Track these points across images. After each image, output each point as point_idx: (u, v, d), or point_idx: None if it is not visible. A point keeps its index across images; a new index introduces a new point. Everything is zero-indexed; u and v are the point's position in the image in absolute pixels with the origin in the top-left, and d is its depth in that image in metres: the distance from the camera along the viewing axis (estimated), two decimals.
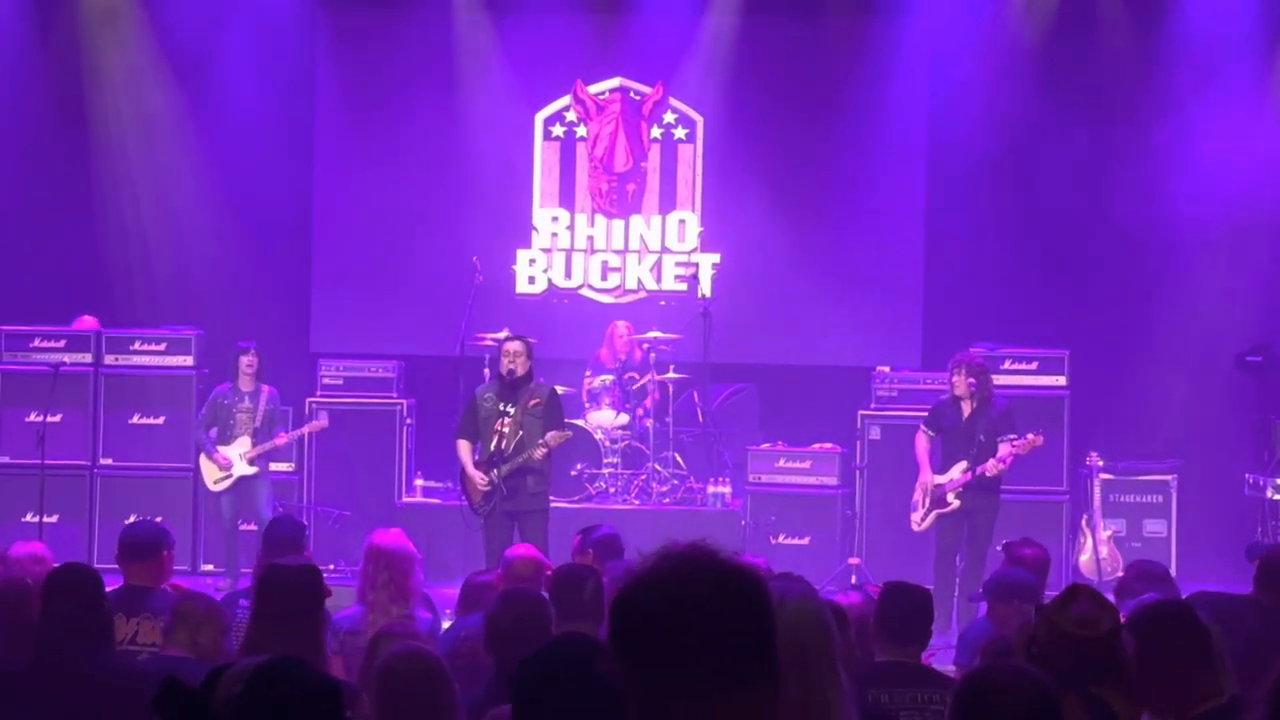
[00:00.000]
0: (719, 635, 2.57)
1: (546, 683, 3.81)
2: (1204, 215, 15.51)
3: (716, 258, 16.62)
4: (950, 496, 13.03)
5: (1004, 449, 12.88)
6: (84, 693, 5.97)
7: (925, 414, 13.54)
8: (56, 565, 6.79)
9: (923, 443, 13.28)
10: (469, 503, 12.48)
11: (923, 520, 13.20)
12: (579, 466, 14.72)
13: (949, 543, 13.15)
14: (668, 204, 16.75)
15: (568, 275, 16.76)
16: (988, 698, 3.90)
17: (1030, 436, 12.91)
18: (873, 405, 15.03)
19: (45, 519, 13.98)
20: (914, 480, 13.33)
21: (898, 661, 6.38)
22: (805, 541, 14.61)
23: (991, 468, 12.85)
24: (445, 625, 8.68)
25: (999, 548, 8.93)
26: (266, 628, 5.97)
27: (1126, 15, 15.85)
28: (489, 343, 14.57)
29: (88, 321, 15.43)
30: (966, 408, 13.06)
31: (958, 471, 13.02)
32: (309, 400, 15.16)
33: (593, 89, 16.73)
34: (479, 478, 12.27)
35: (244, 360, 14.13)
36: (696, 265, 16.54)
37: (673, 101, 16.74)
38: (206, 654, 6.28)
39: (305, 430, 14.61)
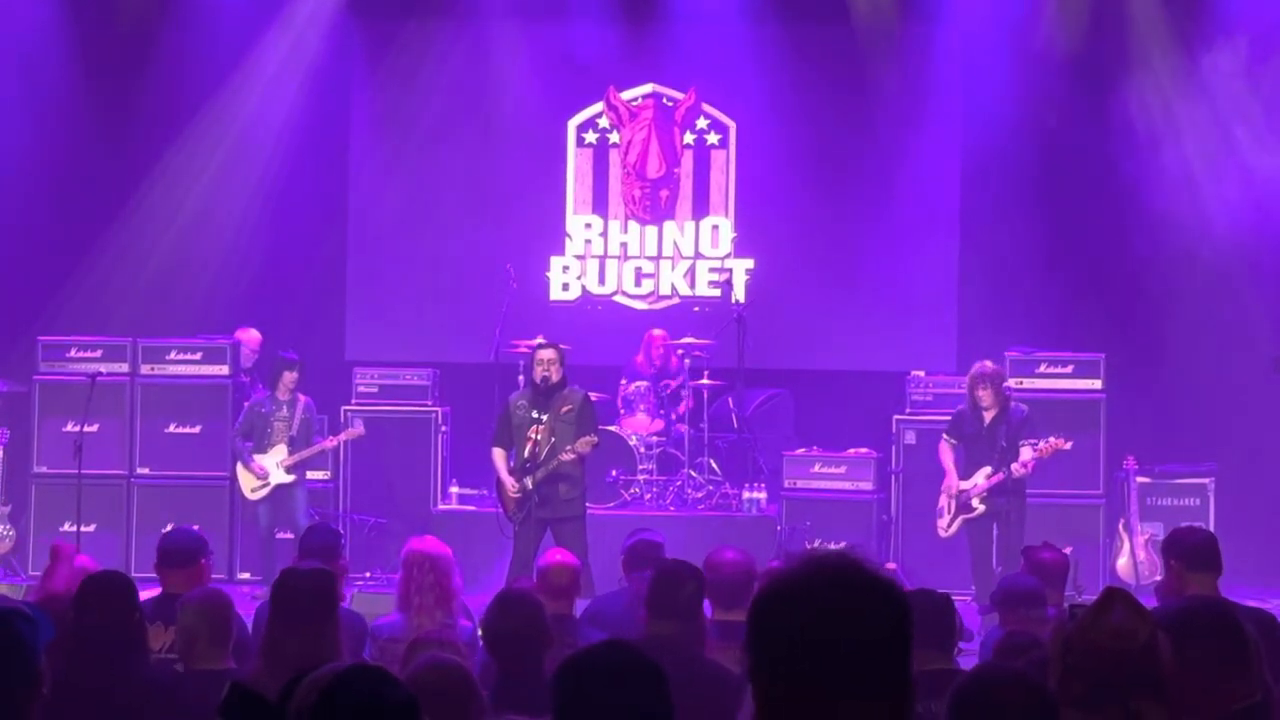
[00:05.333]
0: (864, 647, 2.61)
1: (580, 694, 3.79)
2: (1240, 216, 15.44)
3: (750, 263, 16.62)
4: (975, 501, 13.14)
5: (1026, 452, 12.95)
6: (117, 702, 5.99)
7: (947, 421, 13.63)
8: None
9: (946, 450, 13.42)
10: (504, 510, 12.51)
11: (949, 526, 13.29)
12: (614, 473, 14.73)
13: (983, 546, 13.24)
14: (701, 210, 16.76)
15: (601, 282, 16.78)
16: (981, 701, 3.89)
17: (1053, 439, 12.97)
18: (908, 410, 15.00)
19: (83, 528, 14.03)
20: None
21: (931, 670, 6.34)
22: (840, 547, 14.55)
23: (1016, 470, 12.94)
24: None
25: (1020, 551, 8.93)
26: (283, 631, 6.00)
27: (1162, 17, 15.79)
28: (523, 350, 14.57)
29: (249, 334, 15.47)
30: (988, 415, 13.16)
31: (982, 477, 13.12)
32: (344, 408, 15.20)
33: (625, 95, 16.75)
34: (511, 484, 12.29)
35: (288, 375, 14.16)
36: (730, 271, 16.54)
37: (705, 107, 16.74)
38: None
39: (344, 436, 14.64)
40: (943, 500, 13.35)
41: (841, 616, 2.61)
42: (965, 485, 13.17)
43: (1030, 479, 13.50)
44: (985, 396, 13.13)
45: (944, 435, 13.52)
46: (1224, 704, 4.77)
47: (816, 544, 14.06)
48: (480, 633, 6.50)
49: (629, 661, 3.90)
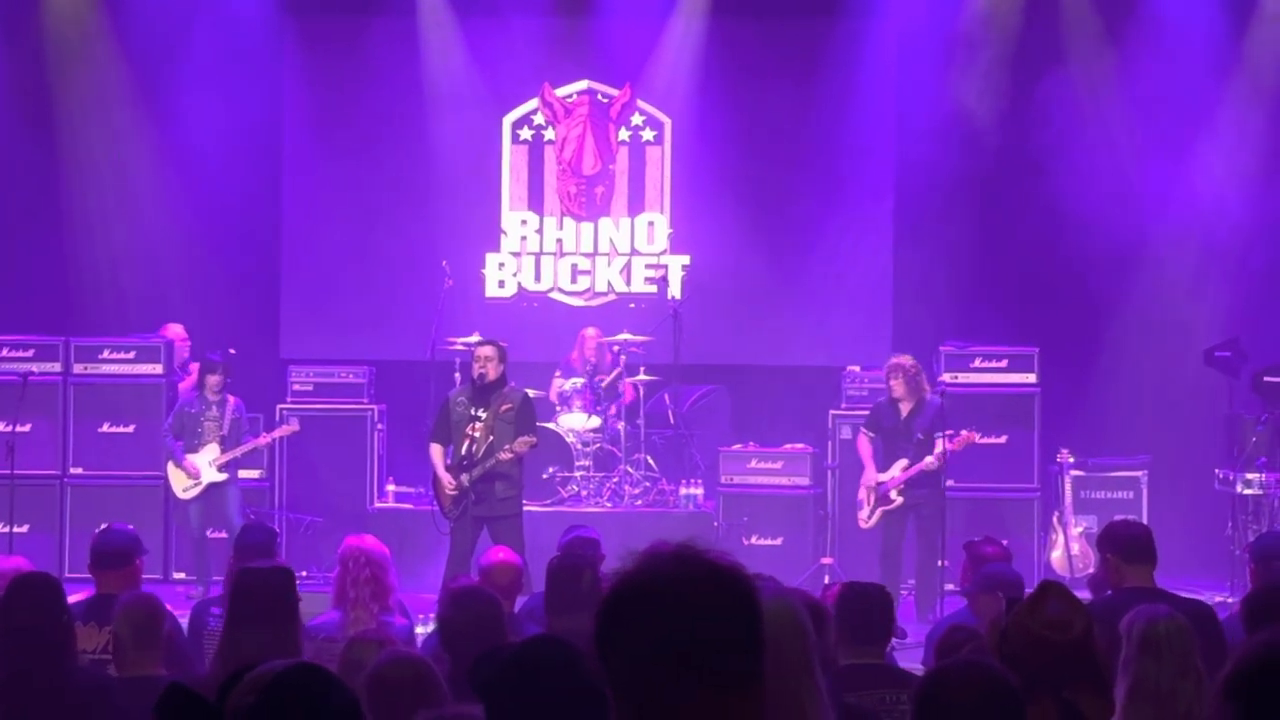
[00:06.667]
0: (707, 636, 2.56)
1: (515, 691, 3.78)
2: (1171, 211, 15.58)
3: (686, 259, 16.63)
4: (893, 494, 13.46)
5: (940, 445, 13.18)
6: (47, 705, 5.93)
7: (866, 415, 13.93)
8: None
9: (864, 444, 13.74)
10: (439, 507, 12.48)
11: (869, 518, 13.58)
12: (551, 470, 14.71)
13: (894, 538, 13.53)
14: (636, 206, 16.76)
15: (537, 278, 16.75)
16: (947, 695, 3.90)
17: (965, 433, 13.17)
18: (844, 405, 15.05)
19: (15, 529, 13.92)
20: None
21: (862, 664, 6.36)
22: (778, 542, 14.61)
23: (927, 464, 13.19)
24: (420, 631, 8.68)
25: (962, 546, 8.98)
26: (242, 632, 5.95)
27: (1093, 13, 15.89)
28: (459, 347, 14.53)
29: (175, 330, 15.35)
30: (905, 408, 13.48)
31: (898, 469, 13.43)
32: (279, 407, 15.11)
33: (560, 92, 16.72)
34: (448, 482, 12.27)
35: (211, 379, 14.06)
36: (666, 267, 16.54)
37: (640, 104, 16.74)
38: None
39: (278, 433, 14.56)
40: (862, 492, 13.68)
41: (682, 607, 2.57)
42: (883, 477, 13.45)
43: (966, 472, 13.66)
44: (896, 387, 13.48)
45: (862, 428, 13.85)
46: None
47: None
48: (436, 627, 6.48)
49: (563, 659, 3.87)
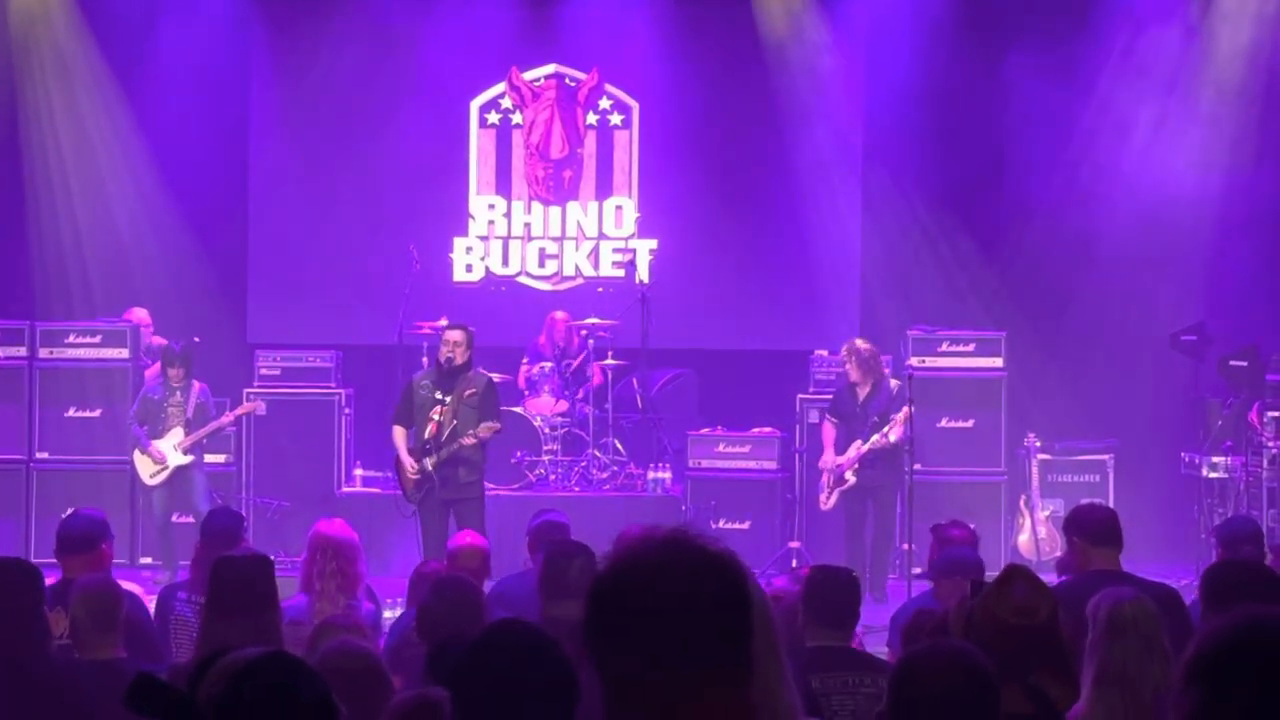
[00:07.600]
0: (697, 619, 2.54)
1: (479, 677, 3.77)
2: (1138, 196, 15.61)
3: (654, 243, 16.62)
4: (848, 474, 13.67)
5: (895, 425, 13.40)
6: (19, 691, 5.91)
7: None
8: None
9: (828, 429, 13.96)
10: (402, 490, 12.47)
11: (827, 500, 13.78)
12: (519, 454, 14.70)
13: (856, 519, 13.75)
14: (604, 190, 16.74)
15: (505, 263, 16.73)
16: (923, 679, 3.90)
17: (906, 409, 13.18)
18: (811, 389, 15.06)
19: None
20: None
21: (828, 646, 6.36)
22: (745, 526, 14.61)
23: (876, 442, 13.43)
24: (387, 615, 8.68)
25: (929, 529, 9.00)
26: (221, 622, 5.92)
27: None
28: (427, 331, 14.51)
29: (138, 314, 15.28)
30: (862, 392, 13.68)
31: (853, 450, 13.61)
32: (246, 391, 15.05)
33: (528, 76, 16.69)
34: (410, 465, 12.26)
35: (172, 371, 14.01)
36: (634, 251, 16.53)
37: (608, 88, 16.72)
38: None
39: (241, 411, 14.50)
40: (823, 476, 13.86)
41: (674, 590, 2.54)
42: (840, 459, 13.68)
43: (933, 456, 13.75)
44: (851, 371, 13.70)
45: (826, 414, 14.04)
46: None
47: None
48: (415, 613, 6.47)
49: (527, 642, 3.85)
